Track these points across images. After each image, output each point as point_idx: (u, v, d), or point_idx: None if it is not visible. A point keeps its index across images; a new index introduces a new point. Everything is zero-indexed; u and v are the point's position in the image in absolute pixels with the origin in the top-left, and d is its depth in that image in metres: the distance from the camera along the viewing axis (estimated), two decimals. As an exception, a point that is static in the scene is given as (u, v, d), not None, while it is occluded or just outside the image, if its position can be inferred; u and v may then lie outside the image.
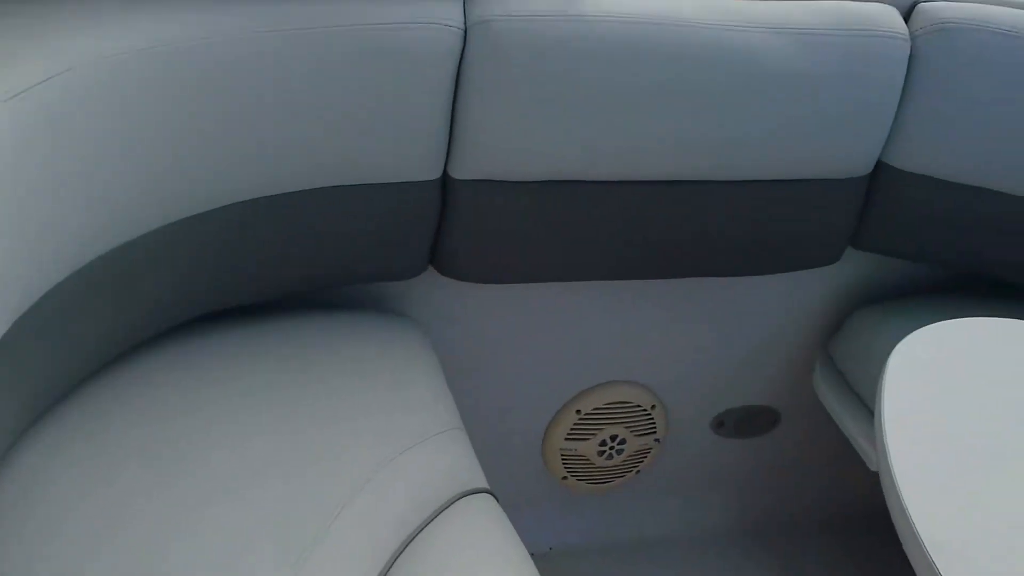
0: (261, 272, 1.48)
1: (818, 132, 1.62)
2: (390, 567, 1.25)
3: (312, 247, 1.49)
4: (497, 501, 1.41)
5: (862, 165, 1.69)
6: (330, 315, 1.60)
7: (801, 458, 2.16)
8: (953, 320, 1.45)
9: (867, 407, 1.82)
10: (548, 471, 2.00)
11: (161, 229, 1.31)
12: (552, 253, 1.63)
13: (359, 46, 1.37)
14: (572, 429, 1.94)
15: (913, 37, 1.64)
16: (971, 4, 1.68)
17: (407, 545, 1.29)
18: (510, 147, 1.50)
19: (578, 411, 1.92)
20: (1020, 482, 1.21)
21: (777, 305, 1.92)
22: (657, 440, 2.01)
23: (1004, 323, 1.48)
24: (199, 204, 1.35)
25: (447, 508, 1.36)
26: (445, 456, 1.42)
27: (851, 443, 1.81)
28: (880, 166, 1.72)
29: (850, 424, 1.82)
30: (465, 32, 1.43)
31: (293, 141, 1.39)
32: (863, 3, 1.64)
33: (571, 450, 1.97)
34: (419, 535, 1.31)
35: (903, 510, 1.15)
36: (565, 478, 2.01)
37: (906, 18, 1.68)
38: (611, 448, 1.98)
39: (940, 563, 1.08)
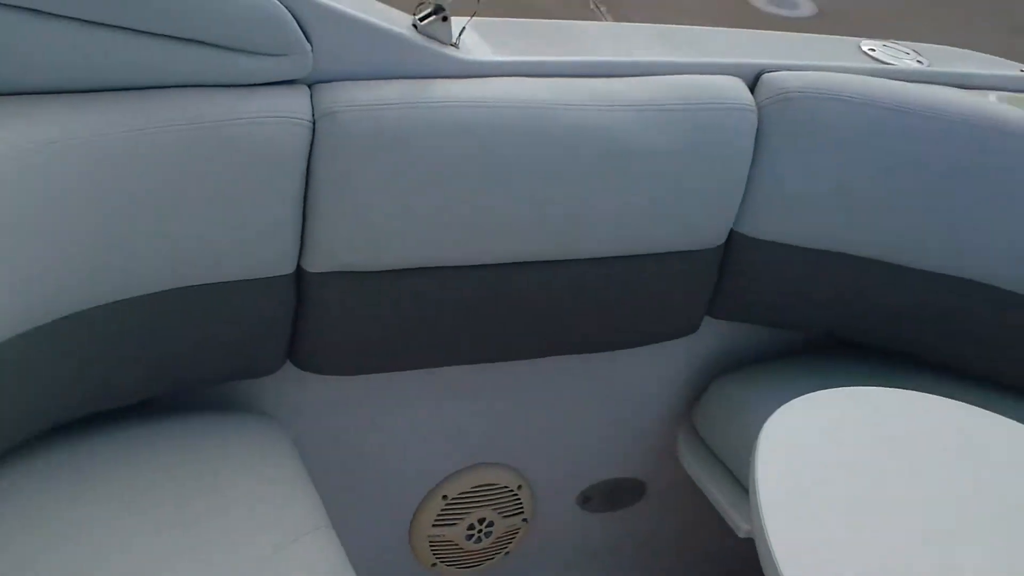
0: (119, 376, 1.42)
1: (672, 206, 1.62)
2: None
3: (171, 348, 1.44)
4: None
5: (716, 236, 1.70)
6: (188, 418, 1.53)
7: (669, 528, 2.15)
8: (823, 391, 1.47)
9: (732, 474, 1.82)
10: (417, 560, 1.95)
11: (24, 334, 1.24)
12: (411, 341, 1.59)
13: (210, 142, 1.33)
14: (439, 515, 1.90)
15: (760, 107, 1.66)
16: (814, 72, 1.72)
17: None
18: (364, 238, 1.47)
19: (444, 496, 1.88)
20: (892, 548, 1.23)
21: (638, 378, 1.91)
22: (525, 520, 1.98)
23: (873, 392, 1.50)
24: (63, 307, 1.29)
25: None
26: (312, 557, 1.37)
27: (718, 510, 1.81)
28: (733, 235, 1.73)
29: (716, 492, 1.82)
30: (313, 124, 1.39)
31: (152, 241, 1.33)
32: (710, 76, 1.66)
33: (439, 536, 1.92)
34: None
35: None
36: (435, 564, 1.96)
37: (752, 88, 1.70)
38: (479, 532, 1.95)
39: None
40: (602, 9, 5.26)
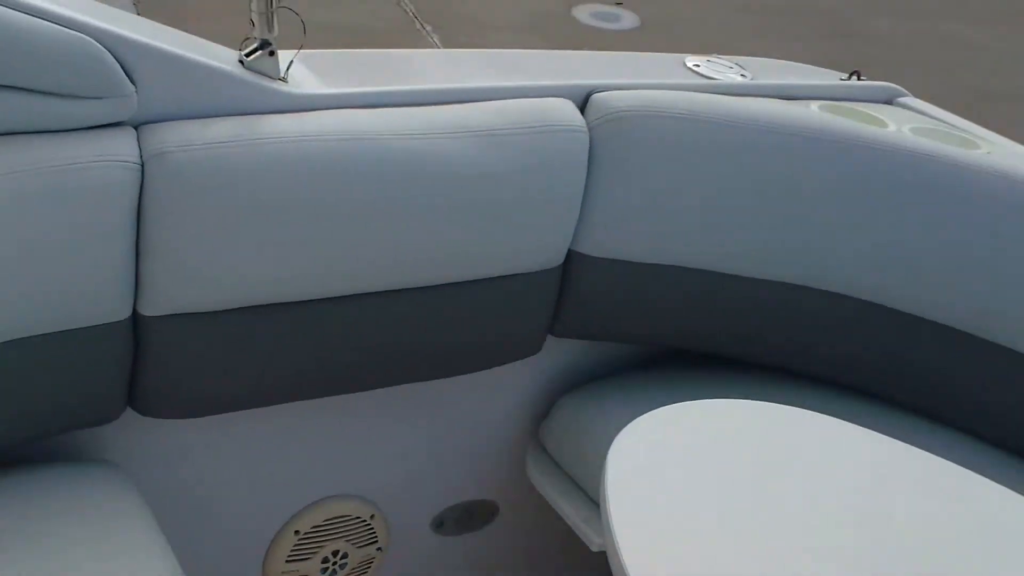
0: None
1: (508, 230, 1.63)
2: None
3: (8, 400, 1.39)
4: None
5: (554, 256, 1.72)
6: (32, 470, 1.48)
7: (524, 546, 2.16)
8: (671, 406, 1.49)
9: (582, 490, 1.84)
10: (271, 598, 1.92)
11: None
12: (254, 380, 1.57)
13: (33, 190, 1.29)
14: (292, 551, 1.87)
15: (590, 128, 1.69)
16: (642, 92, 1.75)
17: None
18: (198, 278, 1.44)
19: (296, 532, 1.86)
20: (744, 559, 1.25)
21: (484, 400, 1.92)
22: (379, 549, 1.96)
23: (719, 404, 1.53)
24: None
25: None
26: None
27: (570, 525, 1.82)
28: (571, 255, 1.75)
29: (567, 508, 1.83)
30: (142, 166, 1.36)
31: None
32: (540, 100, 1.68)
33: (294, 572, 1.89)
34: None
35: None
36: (290, 601, 1.94)
37: (582, 109, 1.72)
38: (334, 564, 1.92)
39: None
40: (428, 29, 5.27)
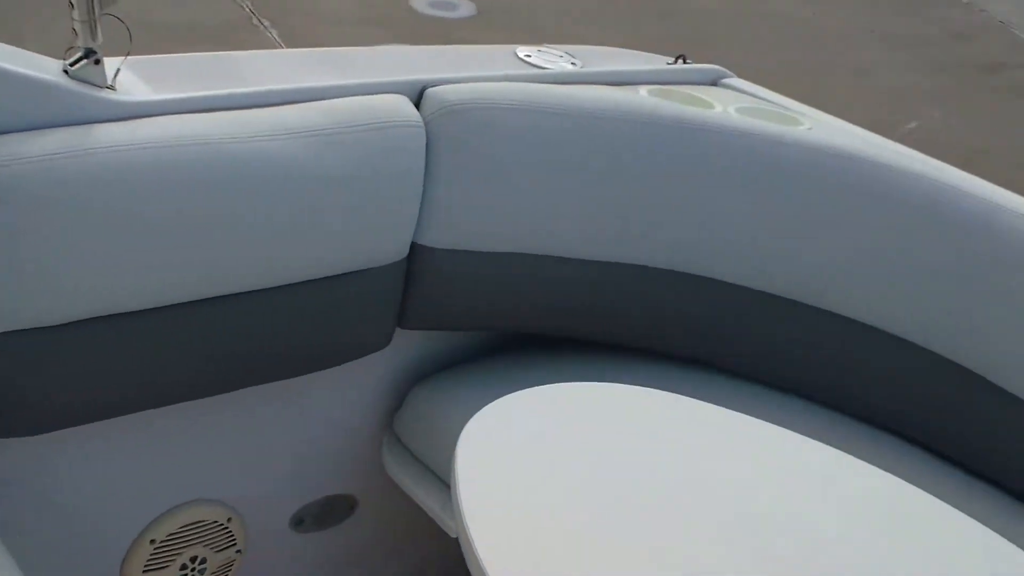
0: None
1: (350, 227, 1.64)
2: None
3: None
4: None
5: (397, 250, 1.74)
6: None
7: (384, 537, 2.18)
8: (521, 392, 1.52)
9: (438, 477, 1.87)
10: (130, 610, 1.90)
11: None
12: (102, 390, 1.56)
13: None
14: (149, 561, 1.86)
15: (426, 122, 1.71)
16: (476, 84, 1.78)
17: None
18: (40, 293, 1.43)
19: (152, 541, 1.84)
20: (595, 539, 1.28)
21: (337, 396, 1.93)
22: (239, 551, 1.96)
23: (568, 388, 1.56)
24: None
25: None
26: None
27: (428, 514, 1.85)
28: (415, 248, 1.77)
29: (424, 496, 1.86)
30: None
31: None
32: (375, 96, 1.69)
33: (151, 582, 1.88)
34: None
35: (483, 573, 1.19)
36: (149, 610, 1.92)
37: (417, 104, 1.74)
38: (193, 570, 1.91)
39: None
40: (266, 24, 5.22)
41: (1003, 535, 1.44)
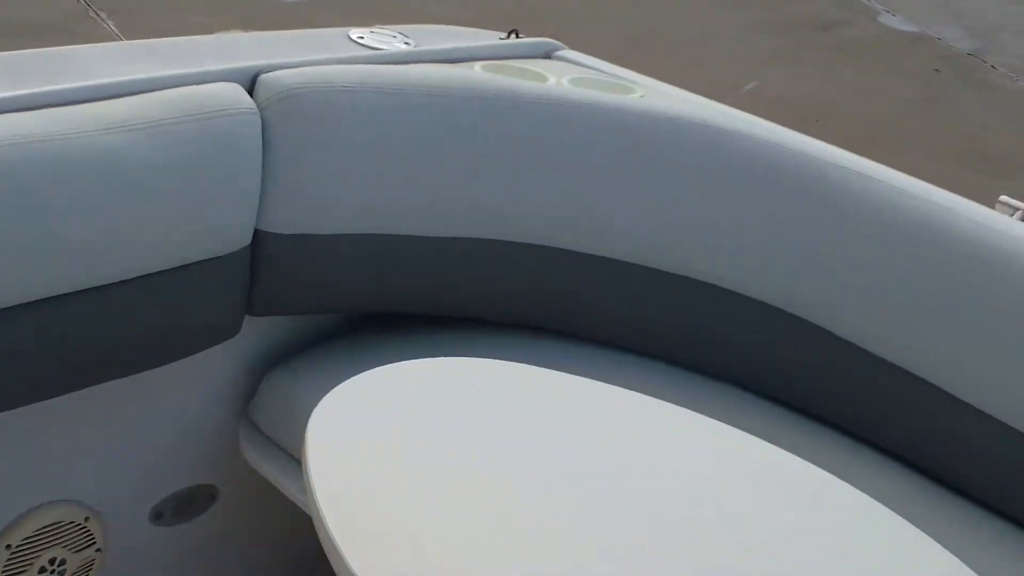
0: None
1: (188, 218, 1.64)
2: None
3: None
4: None
5: (240, 238, 1.74)
6: None
7: (246, 524, 2.18)
8: (373, 370, 1.53)
9: (296, 460, 1.87)
10: (-10, 619, 1.87)
11: None
12: None
13: None
14: (6, 567, 1.83)
15: (261, 109, 1.71)
16: (309, 68, 1.78)
17: None
18: None
19: (8, 546, 1.82)
20: (448, 516, 1.30)
21: (189, 387, 1.92)
22: (99, 550, 1.94)
23: (419, 364, 1.57)
24: None
25: None
26: None
27: (289, 497, 1.86)
28: (258, 235, 1.77)
29: (284, 481, 1.87)
30: None
31: None
32: (207, 86, 1.69)
33: (10, 587, 1.86)
34: None
35: (339, 555, 1.20)
36: (11, 617, 1.90)
37: (251, 91, 1.74)
38: (52, 572, 1.89)
39: None
40: (103, 16, 5.11)
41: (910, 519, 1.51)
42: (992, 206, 1.97)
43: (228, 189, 1.67)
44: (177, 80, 1.69)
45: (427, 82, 1.83)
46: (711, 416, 1.58)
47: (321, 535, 1.24)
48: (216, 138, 1.64)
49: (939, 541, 1.42)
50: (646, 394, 1.60)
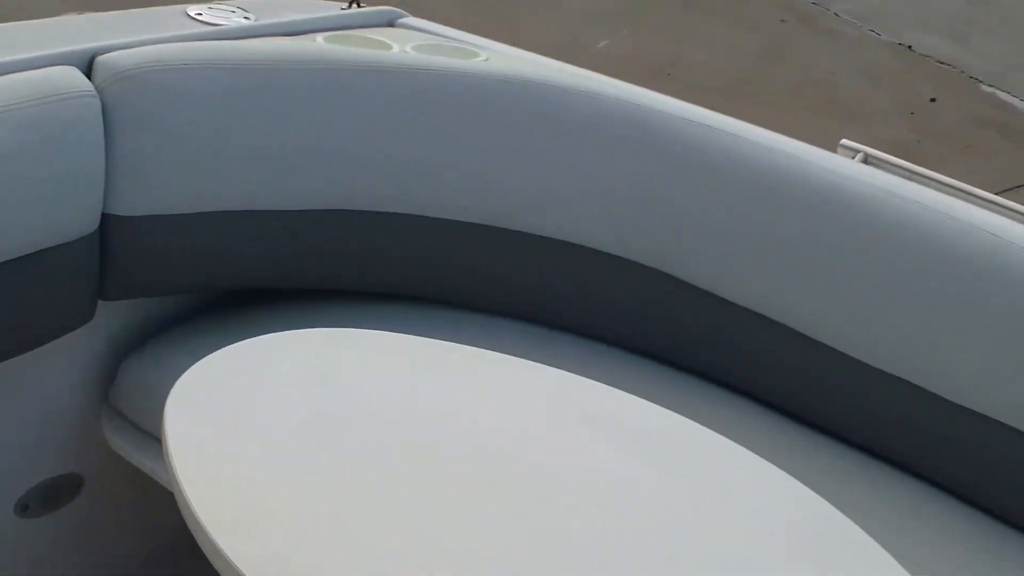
0: None
1: (30, 207, 1.61)
2: None
3: None
4: None
5: (87, 223, 1.72)
6: None
7: (116, 510, 2.16)
8: (232, 346, 1.53)
9: (160, 442, 1.87)
10: None
11: None
12: None
13: None
14: None
15: (100, 91, 1.69)
16: (147, 48, 1.76)
17: None
18: None
19: None
20: (312, 488, 1.31)
21: (47, 377, 1.90)
22: None
23: (283, 337, 1.58)
24: None
25: None
26: None
27: (156, 480, 1.85)
28: (107, 219, 1.75)
29: (148, 463, 1.85)
30: None
31: None
32: (42, 71, 1.66)
33: None
34: None
35: (204, 531, 1.21)
36: None
37: (88, 74, 1.72)
38: (-82, 572, 1.87)
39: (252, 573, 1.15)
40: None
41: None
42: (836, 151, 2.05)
43: (71, 174, 1.65)
44: (11, 66, 1.66)
45: (268, 57, 1.82)
46: (563, 368, 1.62)
47: (186, 516, 1.25)
48: (55, 123, 1.61)
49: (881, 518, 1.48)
50: (498, 351, 1.63)
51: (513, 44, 2.18)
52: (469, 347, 1.62)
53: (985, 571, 1.71)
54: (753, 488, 1.46)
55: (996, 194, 1.98)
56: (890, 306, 1.82)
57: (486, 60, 2.01)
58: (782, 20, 6.35)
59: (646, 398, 1.58)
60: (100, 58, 1.73)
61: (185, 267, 1.87)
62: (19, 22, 1.89)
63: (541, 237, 1.99)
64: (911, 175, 1.97)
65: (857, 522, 1.42)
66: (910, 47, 6.15)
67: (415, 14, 2.23)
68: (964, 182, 2.00)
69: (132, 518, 2.20)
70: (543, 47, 2.17)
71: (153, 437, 1.87)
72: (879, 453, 1.91)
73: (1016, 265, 1.73)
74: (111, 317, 1.94)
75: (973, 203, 1.89)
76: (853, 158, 2.05)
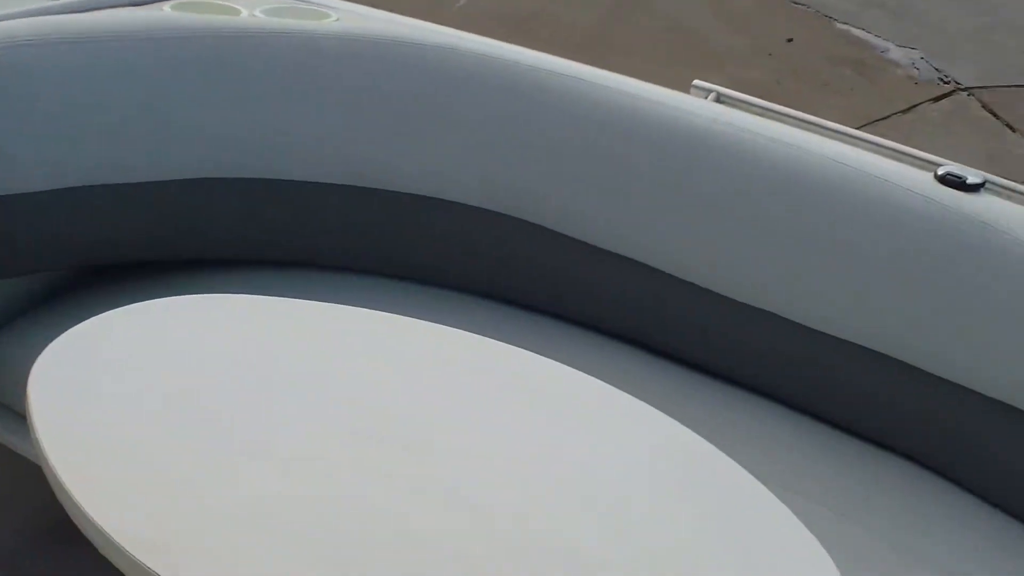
0: None
1: None
2: None
3: None
4: None
5: None
6: None
7: None
8: (92, 319, 1.51)
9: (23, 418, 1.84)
10: None
11: None
12: None
13: None
14: None
15: None
16: None
17: None
18: None
19: None
20: (184, 458, 1.31)
21: None
22: None
23: (146, 306, 1.57)
24: None
25: None
26: None
27: (32, 461, 1.83)
28: None
29: (20, 443, 1.83)
30: None
31: None
32: None
33: None
34: None
35: (74, 502, 1.20)
36: None
37: None
38: None
39: (140, 555, 1.15)
40: None
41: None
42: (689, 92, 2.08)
43: None
44: None
45: (116, 28, 1.80)
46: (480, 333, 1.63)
47: (56, 489, 1.24)
48: None
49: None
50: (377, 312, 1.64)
51: (372, 5, 2.18)
52: (341, 306, 1.63)
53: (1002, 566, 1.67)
54: (624, 424, 1.49)
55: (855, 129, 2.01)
56: (750, 242, 1.85)
57: (337, 20, 2.01)
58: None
59: (499, 340, 1.60)
60: None
61: (44, 246, 1.85)
62: None
63: (399, 193, 2.00)
64: (763, 111, 2.01)
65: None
66: (766, -11, 6.25)
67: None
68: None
69: (9, 498, 2.16)
70: (404, 7, 2.17)
71: (19, 415, 1.85)
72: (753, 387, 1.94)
73: (869, 194, 1.78)
74: None
75: (825, 136, 1.93)
76: (706, 98, 2.08)
